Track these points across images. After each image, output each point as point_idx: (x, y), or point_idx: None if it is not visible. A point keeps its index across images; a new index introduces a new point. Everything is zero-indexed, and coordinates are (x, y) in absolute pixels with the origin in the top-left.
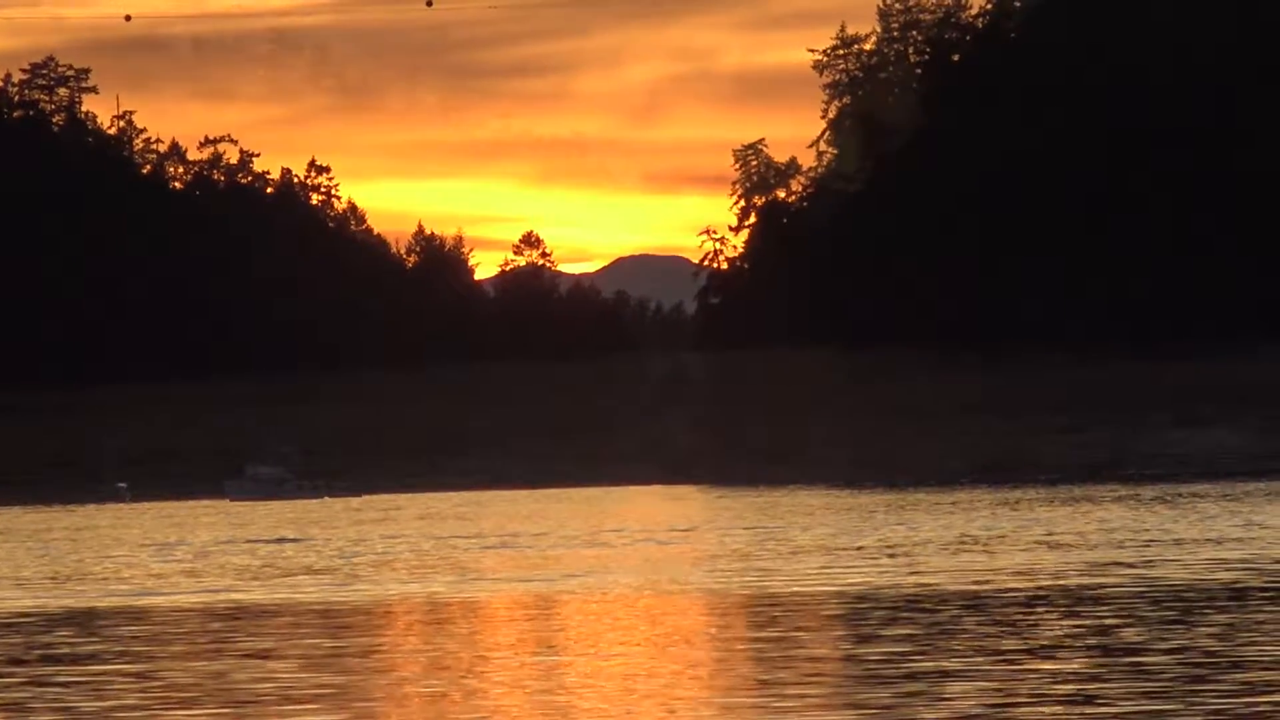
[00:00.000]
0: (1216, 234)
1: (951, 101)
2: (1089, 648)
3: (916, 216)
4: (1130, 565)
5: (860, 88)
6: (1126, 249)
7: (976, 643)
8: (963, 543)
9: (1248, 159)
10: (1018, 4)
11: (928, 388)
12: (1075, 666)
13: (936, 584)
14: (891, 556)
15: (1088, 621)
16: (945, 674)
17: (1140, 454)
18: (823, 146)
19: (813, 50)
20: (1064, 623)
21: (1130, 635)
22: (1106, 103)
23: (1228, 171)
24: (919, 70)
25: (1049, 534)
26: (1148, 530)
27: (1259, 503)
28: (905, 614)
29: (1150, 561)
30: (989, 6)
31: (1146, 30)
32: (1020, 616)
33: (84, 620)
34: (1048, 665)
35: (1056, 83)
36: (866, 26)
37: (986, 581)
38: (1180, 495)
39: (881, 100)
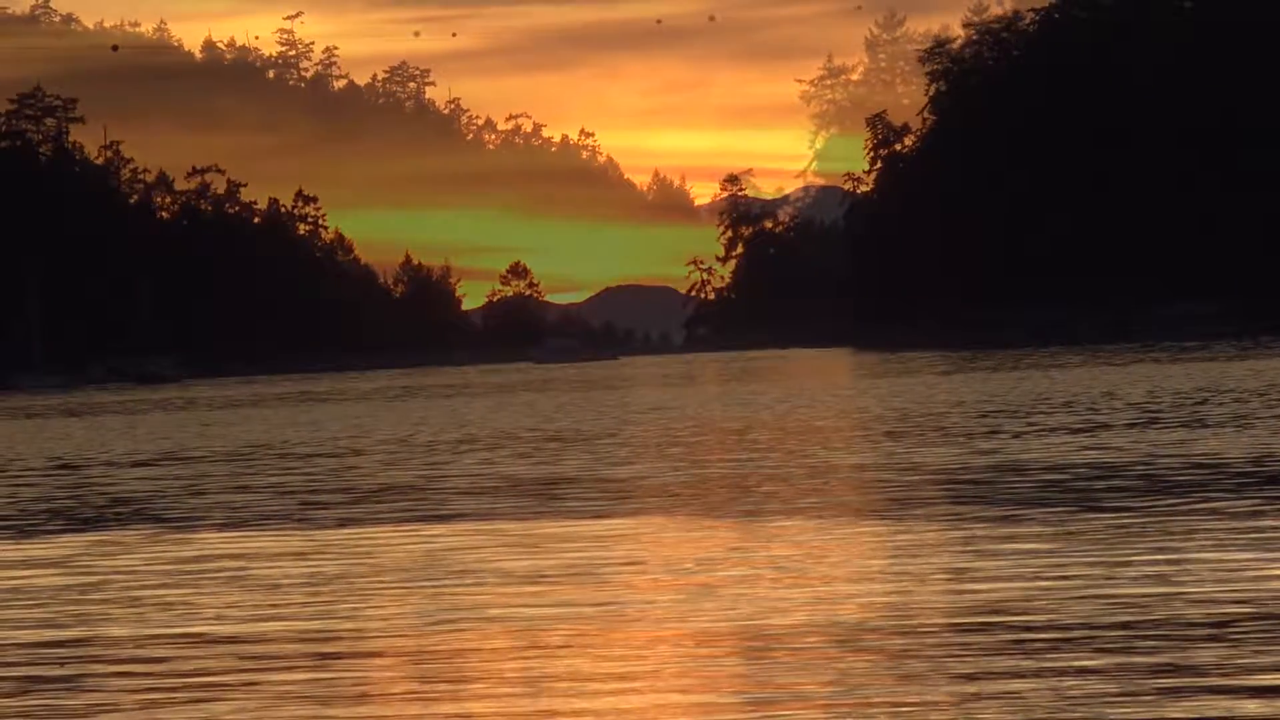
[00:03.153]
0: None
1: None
2: (1064, 672)
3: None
4: (1130, 585)
5: (848, 117)
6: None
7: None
8: (960, 569)
9: (1254, 159)
10: (1005, 34)
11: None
12: (1047, 692)
13: (914, 612)
14: (887, 583)
15: (1080, 644)
16: (901, 704)
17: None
18: (810, 178)
19: (800, 80)
20: (1050, 653)
21: (1136, 657)
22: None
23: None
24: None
25: (1046, 555)
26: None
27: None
28: (880, 643)
29: (1152, 578)
30: (974, 36)
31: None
32: (1004, 648)
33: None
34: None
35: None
36: (854, 57)
37: (974, 610)
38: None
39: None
